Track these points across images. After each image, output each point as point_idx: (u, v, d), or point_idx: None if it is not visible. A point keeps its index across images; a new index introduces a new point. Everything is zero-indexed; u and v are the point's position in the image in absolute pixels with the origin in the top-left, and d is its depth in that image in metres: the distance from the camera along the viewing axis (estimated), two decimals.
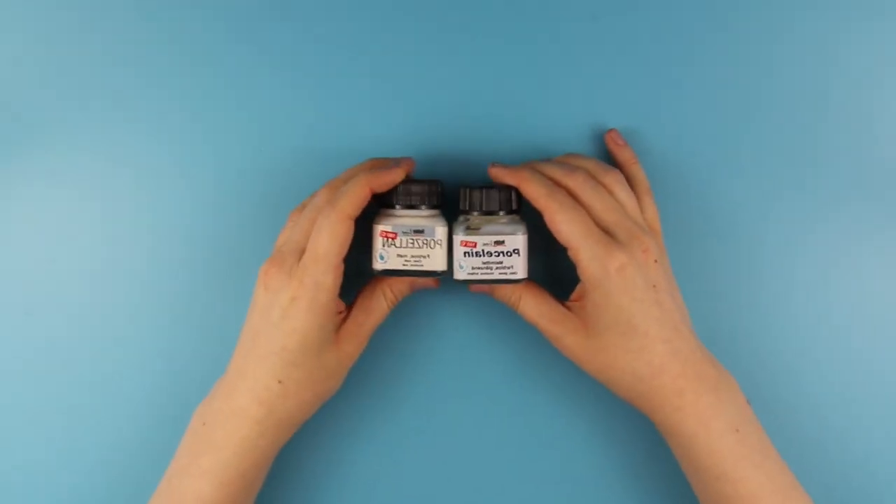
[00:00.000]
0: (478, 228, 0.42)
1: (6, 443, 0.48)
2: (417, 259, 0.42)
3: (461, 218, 0.43)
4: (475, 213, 0.43)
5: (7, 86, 0.48)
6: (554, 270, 0.48)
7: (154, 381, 0.48)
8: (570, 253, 0.40)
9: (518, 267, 0.42)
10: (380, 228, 0.42)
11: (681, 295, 0.43)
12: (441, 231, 0.42)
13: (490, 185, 0.43)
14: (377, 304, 0.44)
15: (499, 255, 0.42)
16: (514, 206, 0.43)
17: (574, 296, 0.43)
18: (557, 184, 0.42)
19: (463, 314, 0.49)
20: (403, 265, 0.42)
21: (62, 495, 0.48)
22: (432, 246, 0.42)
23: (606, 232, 0.41)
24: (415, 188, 0.42)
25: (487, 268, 0.42)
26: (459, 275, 0.42)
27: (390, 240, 0.42)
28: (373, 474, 0.49)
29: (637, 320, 0.40)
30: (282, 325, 0.40)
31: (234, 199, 0.48)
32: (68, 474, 0.48)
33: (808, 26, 0.48)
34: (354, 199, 0.40)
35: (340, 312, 0.43)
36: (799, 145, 0.48)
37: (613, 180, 0.43)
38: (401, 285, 0.44)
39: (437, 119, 0.48)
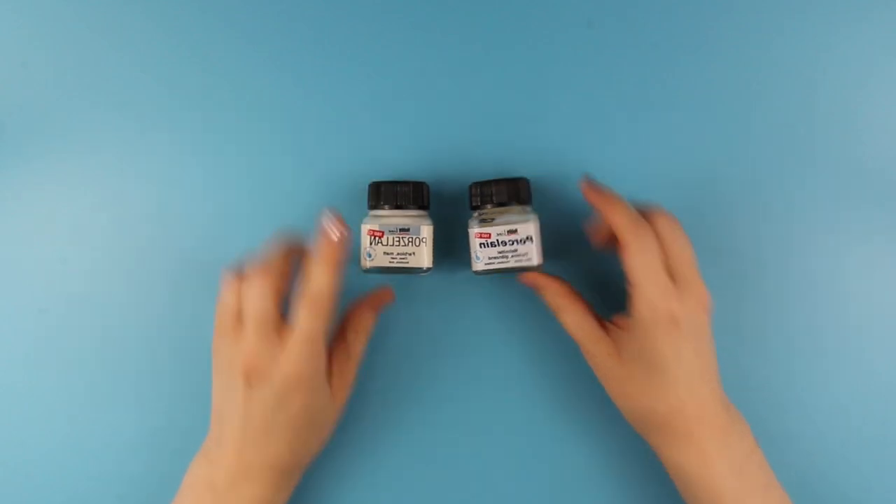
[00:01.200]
0: (491, 220, 0.44)
1: (19, 437, 0.49)
2: (403, 256, 0.44)
3: (474, 214, 0.45)
4: (488, 207, 0.45)
5: (22, 90, 0.49)
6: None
7: (163, 379, 0.49)
8: (630, 288, 0.42)
9: (532, 253, 0.44)
10: (367, 227, 0.44)
11: (714, 344, 0.44)
12: (426, 230, 0.44)
13: (498, 178, 0.45)
14: (352, 350, 0.45)
15: (513, 244, 0.44)
16: (524, 197, 0.45)
17: (617, 319, 0.44)
18: (642, 217, 0.43)
19: (464, 317, 0.49)
20: (390, 262, 0.44)
21: (73, 491, 0.49)
22: (417, 244, 0.44)
23: (671, 276, 0.42)
24: (402, 189, 0.44)
25: (503, 257, 0.44)
26: (477, 266, 0.44)
27: (377, 238, 0.44)
28: (374, 475, 0.49)
29: (668, 363, 0.41)
30: (283, 403, 0.41)
31: (239, 199, 0.49)
32: (79, 469, 0.49)
33: (801, 29, 0.49)
34: (328, 292, 0.41)
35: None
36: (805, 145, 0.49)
37: (675, 228, 0.44)
38: (364, 321, 0.46)
39: (433, 122, 0.49)
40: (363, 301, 0.47)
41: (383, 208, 0.44)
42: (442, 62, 0.49)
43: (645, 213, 0.43)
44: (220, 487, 0.42)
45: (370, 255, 0.44)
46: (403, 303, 0.49)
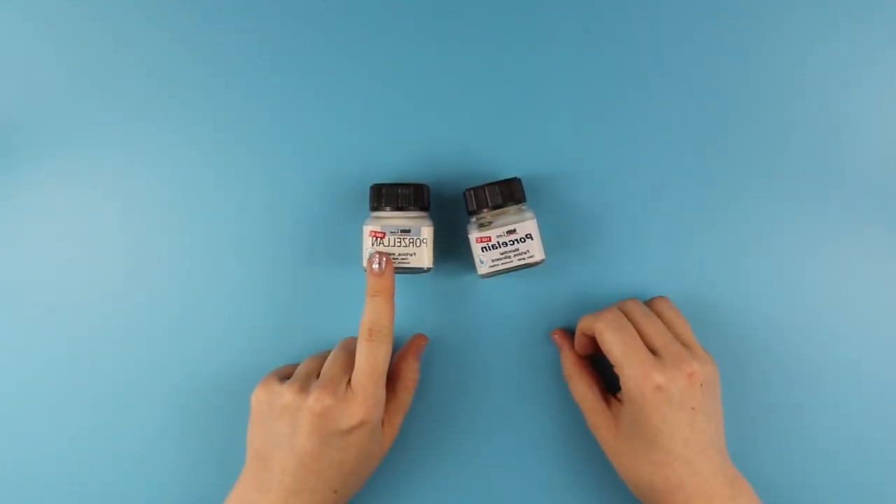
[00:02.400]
0: (489, 223, 0.45)
1: (30, 436, 0.50)
2: (404, 257, 0.45)
3: (473, 219, 0.46)
4: (485, 211, 0.45)
5: (33, 94, 0.50)
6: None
7: (171, 378, 0.50)
8: (615, 369, 0.43)
9: (534, 250, 0.44)
10: (369, 229, 0.45)
11: (720, 415, 0.44)
12: (427, 231, 0.45)
13: (491, 182, 0.45)
14: (401, 402, 0.46)
15: (513, 243, 0.44)
16: (519, 196, 0.45)
17: (619, 394, 0.45)
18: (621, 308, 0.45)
19: (464, 317, 0.50)
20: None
21: (85, 489, 0.50)
22: (418, 245, 0.45)
23: (656, 353, 0.42)
24: (403, 191, 0.45)
25: (506, 257, 0.45)
26: (482, 269, 0.45)
27: (379, 239, 0.45)
28: (373, 474, 0.49)
29: (663, 438, 0.41)
30: (344, 446, 0.42)
31: (244, 200, 0.50)
32: (90, 468, 0.50)
33: (786, 35, 0.49)
34: (386, 320, 0.43)
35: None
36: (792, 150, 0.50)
37: (663, 305, 0.46)
38: (412, 374, 0.47)
39: (434, 125, 0.50)
40: (406, 353, 0.48)
41: (385, 210, 0.45)
42: (442, 67, 0.49)
43: (619, 302, 0.46)
44: None
45: None
46: (404, 303, 0.49)
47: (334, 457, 0.42)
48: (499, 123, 0.49)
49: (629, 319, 0.44)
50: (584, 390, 0.46)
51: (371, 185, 0.46)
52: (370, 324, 0.42)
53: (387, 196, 0.45)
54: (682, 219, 0.50)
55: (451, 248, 0.49)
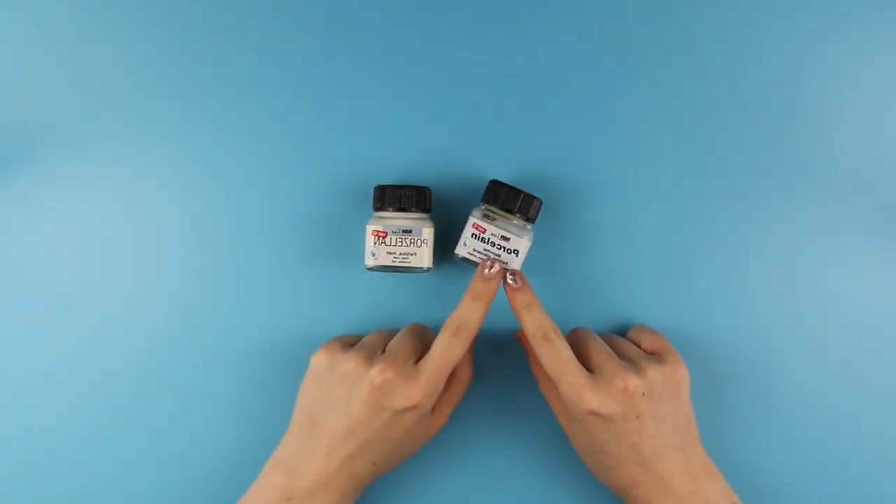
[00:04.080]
0: (493, 219, 0.46)
1: (47, 430, 0.51)
2: (405, 256, 0.46)
3: (482, 206, 0.46)
4: (496, 206, 0.46)
5: (47, 100, 0.51)
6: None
7: (181, 374, 0.51)
8: (557, 389, 0.43)
9: (513, 265, 0.45)
10: (372, 228, 0.46)
11: (684, 414, 0.45)
12: (427, 232, 0.46)
13: (517, 187, 0.46)
14: (454, 396, 0.47)
15: (500, 249, 0.45)
16: (531, 215, 0.46)
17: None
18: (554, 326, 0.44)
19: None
20: (392, 261, 0.46)
21: (98, 484, 0.50)
22: (419, 245, 0.46)
23: (592, 371, 0.43)
24: (406, 193, 0.46)
25: (486, 255, 0.45)
26: (461, 251, 0.45)
27: (381, 238, 0.46)
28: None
29: (609, 447, 0.43)
30: (394, 423, 0.42)
31: (251, 200, 0.51)
32: (103, 463, 0.50)
33: (778, 43, 0.50)
34: (477, 324, 0.43)
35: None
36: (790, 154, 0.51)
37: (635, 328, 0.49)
38: (467, 374, 0.47)
39: (436, 129, 0.51)
40: (465, 359, 0.48)
41: (388, 210, 0.47)
42: (443, 74, 0.51)
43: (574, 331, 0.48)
44: (297, 496, 0.43)
45: (374, 254, 0.46)
46: (404, 302, 0.50)
47: (383, 431, 0.42)
48: (498, 128, 0.51)
49: (575, 337, 0.46)
50: (548, 392, 0.48)
51: (375, 186, 0.47)
52: (460, 320, 0.43)
53: (390, 197, 0.46)
54: (674, 223, 0.51)
55: (451, 249, 0.50)
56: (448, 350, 0.42)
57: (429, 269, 0.47)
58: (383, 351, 0.44)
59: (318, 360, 0.45)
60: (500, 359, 0.51)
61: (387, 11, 0.51)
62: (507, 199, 0.45)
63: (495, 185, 0.46)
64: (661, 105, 0.51)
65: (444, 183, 0.51)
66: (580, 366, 0.43)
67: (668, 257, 0.51)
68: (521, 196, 0.45)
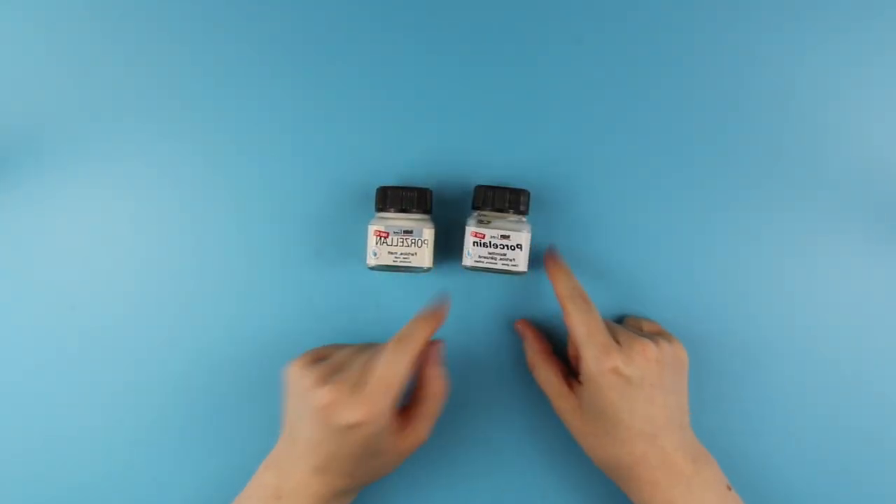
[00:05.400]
0: (488, 222, 0.47)
1: (53, 429, 0.51)
2: (406, 256, 0.47)
3: (475, 213, 0.48)
4: (487, 209, 0.47)
5: (54, 103, 0.51)
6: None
7: (185, 373, 0.51)
8: (579, 349, 0.44)
9: (520, 260, 0.47)
10: (374, 228, 0.47)
11: (684, 393, 0.46)
12: (428, 232, 0.47)
13: (503, 186, 0.47)
14: (429, 411, 0.46)
15: (504, 248, 0.46)
16: (522, 208, 0.47)
17: (580, 377, 0.46)
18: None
19: (463, 316, 0.52)
20: (394, 261, 0.47)
21: (103, 481, 0.51)
22: (419, 245, 0.47)
23: (614, 337, 0.45)
24: (407, 194, 0.47)
25: (492, 258, 0.47)
26: (467, 261, 0.47)
27: (382, 238, 0.47)
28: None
29: (623, 415, 0.43)
30: (347, 440, 0.42)
31: (254, 201, 0.51)
32: (108, 461, 0.51)
33: (775, 46, 0.51)
34: (420, 340, 0.43)
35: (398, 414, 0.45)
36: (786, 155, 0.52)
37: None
38: (440, 387, 0.46)
39: (436, 131, 0.51)
40: (426, 360, 0.47)
41: (389, 211, 0.47)
42: (444, 78, 0.51)
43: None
44: (285, 495, 0.43)
45: (375, 254, 0.47)
46: (405, 302, 0.51)
47: (343, 447, 0.42)
48: (497, 130, 0.51)
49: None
50: (547, 376, 0.48)
51: (377, 187, 0.48)
52: (403, 334, 0.43)
53: (392, 198, 0.47)
54: (673, 223, 0.51)
55: (451, 250, 0.51)
56: (388, 365, 0.42)
57: (429, 268, 0.48)
58: None
59: (288, 373, 0.45)
60: (500, 359, 0.52)
61: (390, 14, 0.51)
62: (496, 199, 0.47)
63: (481, 189, 0.47)
64: (661, 106, 0.51)
65: (444, 184, 0.51)
66: (608, 333, 0.44)
67: (668, 257, 0.51)
68: (508, 192, 0.47)
